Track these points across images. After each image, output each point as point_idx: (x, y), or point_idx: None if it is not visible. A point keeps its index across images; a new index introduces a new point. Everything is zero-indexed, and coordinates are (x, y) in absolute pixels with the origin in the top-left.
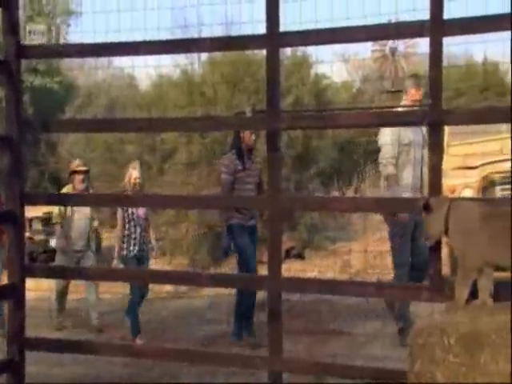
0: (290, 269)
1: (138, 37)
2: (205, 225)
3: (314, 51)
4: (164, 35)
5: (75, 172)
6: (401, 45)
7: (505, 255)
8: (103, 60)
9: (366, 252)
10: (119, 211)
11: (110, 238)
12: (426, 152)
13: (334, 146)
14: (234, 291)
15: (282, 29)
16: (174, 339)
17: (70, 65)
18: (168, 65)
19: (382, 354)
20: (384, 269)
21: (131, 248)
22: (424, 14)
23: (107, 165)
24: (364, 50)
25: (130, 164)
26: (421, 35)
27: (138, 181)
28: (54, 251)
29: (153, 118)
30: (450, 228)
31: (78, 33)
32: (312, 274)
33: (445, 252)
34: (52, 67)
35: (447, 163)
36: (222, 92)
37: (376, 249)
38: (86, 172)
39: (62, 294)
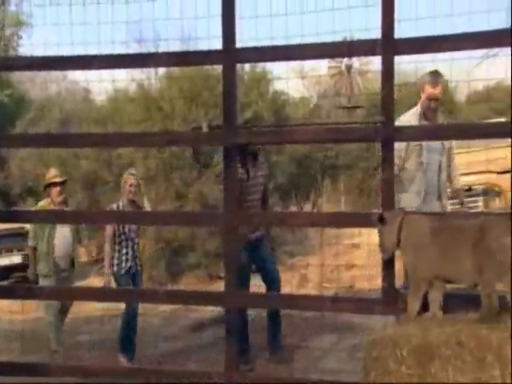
0: None
1: (91, 50)
2: (162, 240)
3: (273, 67)
4: (119, 49)
5: (51, 184)
6: (356, 62)
7: (453, 269)
8: (57, 73)
9: (323, 266)
10: (108, 225)
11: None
12: (444, 159)
13: (291, 161)
14: (191, 308)
15: (238, 45)
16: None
17: (20, 77)
18: (124, 79)
19: (337, 367)
20: (340, 282)
21: (123, 265)
22: (376, 33)
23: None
24: (321, 66)
25: (127, 170)
26: (373, 53)
27: (133, 188)
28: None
29: (108, 133)
30: (402, 241)
31: (28, 45)
32: None
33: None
34: (2, 80)
35: None
36: (180, 107)
37: (332, 263)
38: (63, 183)
39: (55, 323)
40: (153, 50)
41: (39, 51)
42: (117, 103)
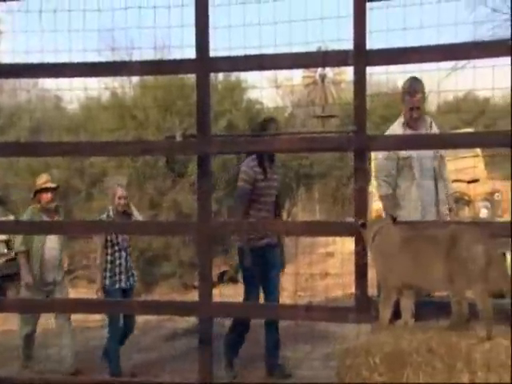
0: (223, 293)
1: (62, 58)
2: (136, 249)
3: (248, 76)
4: (92, 57)
5: (42, 190)
6: (330, 71)
7: (423, 277)
8: (27, 80)
9: (298, 275)
10: (98, 235)
11: None
12: (437, 163)
13: None
14: (168, 318)
15: (211, 54)
16: (103, 369)
17: None
18: (96, 87)
19: (312, 375)
20: (315, 291)
21: (117, 278)
22: (349, 44)
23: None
24: (295, 76)
25: (114, 180)
26: (346, 64)
27: (123, 201)
28: None
29: (79, 142)
30: (373, 250)
31: None
32: None
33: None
34: None
35: (374, 187)
36: (154, 115)
37: (307, 271)
38: (56, 189)
39: (29, 339)
40: (126, 58)
41: (7, 58)
42: (90, 111)
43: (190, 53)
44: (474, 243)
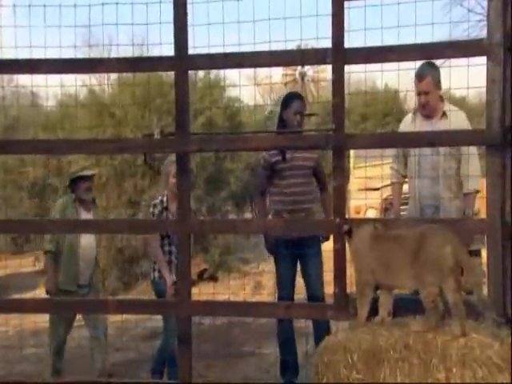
0: (202, 292)
1: (38, 54)
2: (115, 249)
3: (227, 74)
4: (69, 53)
5: (78, 179)
6: (310, 70)
7: (390, 275)
8: (1, 76)
9: None
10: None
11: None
12: (442, 159)
13: (246, 168)
14: (147, 316)
15: (190, 51)
16: (79, 370)
17: None
18: (74, 84)
19: None
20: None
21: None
22: (328, 43)
23: (7, 188)
24: (275, 74)
25: (167, 159)
26: (324, 62)
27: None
28: None
29: (55, 140)
30: (350, 248)
31: None
32: (224, 296)
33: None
34: None
35: (353, 185)
36: (133, 113)
37: None
38: (92, 177)
39: (59, 350)
40: (105, 54)
41: None
42: (67, 109)
43: (169, 50)
44: (444, 244)
